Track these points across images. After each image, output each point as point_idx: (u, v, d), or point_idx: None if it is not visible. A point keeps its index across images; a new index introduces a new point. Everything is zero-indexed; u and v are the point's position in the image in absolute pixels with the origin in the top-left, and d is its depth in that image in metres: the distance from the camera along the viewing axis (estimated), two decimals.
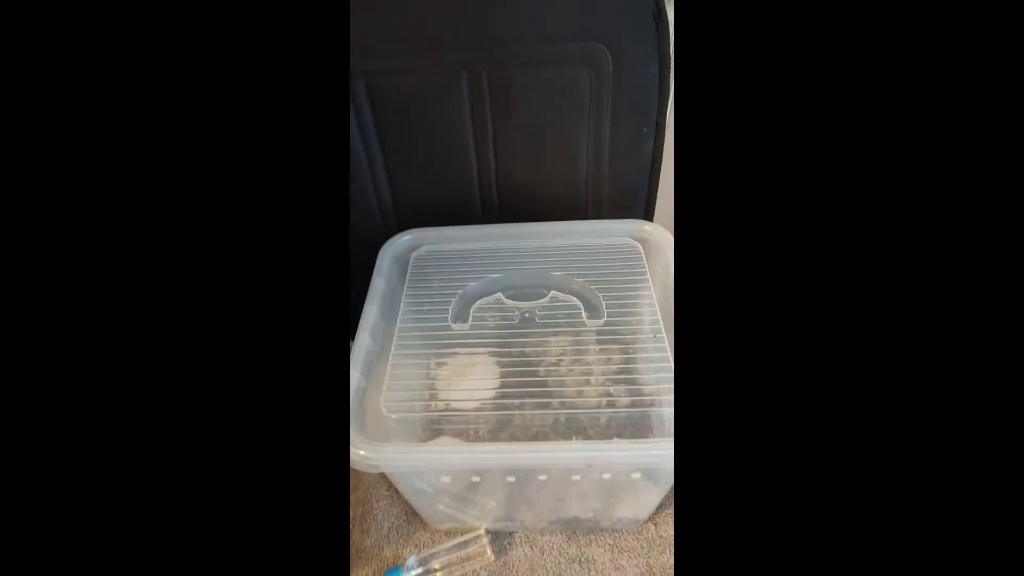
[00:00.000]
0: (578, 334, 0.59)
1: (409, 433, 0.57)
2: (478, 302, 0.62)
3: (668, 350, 0.55)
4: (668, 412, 0.53)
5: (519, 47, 0.58)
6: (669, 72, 0.59)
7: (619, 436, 0.56)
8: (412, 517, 0.63)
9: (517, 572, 0.59)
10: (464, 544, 0.59)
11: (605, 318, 0.59)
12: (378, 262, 0.63)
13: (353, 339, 0.55)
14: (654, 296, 0.60)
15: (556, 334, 0.60)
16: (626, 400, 0.55)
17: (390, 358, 0.56)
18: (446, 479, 0.53)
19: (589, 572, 0.59)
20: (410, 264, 0.65)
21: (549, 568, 0.59)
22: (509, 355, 0.57)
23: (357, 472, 0.67)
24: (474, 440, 0.57)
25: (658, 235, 0.65)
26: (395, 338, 0.58)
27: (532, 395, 0.52)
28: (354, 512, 0.64)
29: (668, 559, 0.59)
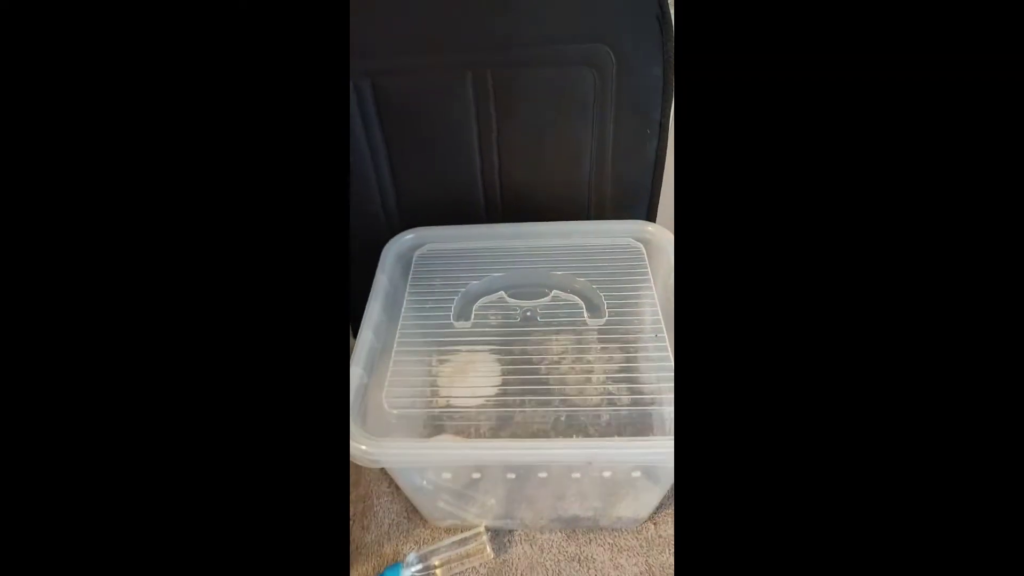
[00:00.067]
0: (579, 333, 0.59)
1: (410, 430, 0.58)
2: (480, 300, 0.63)
3: (669, 349, 0.55)
4: (668, 411, 0.53)
5: (523, 48, 0.59)
6: (672, 73, 0.60)
7: (620, 435, 0.56)
8: (412, 514, 0.63)
9: (516, 570, 0.59)
10: (464, 541, 0.59)
11: (607, 317, 0.60)
12: (381, 260, 0.64)
13: (356, 336, 0.55)
14: (655, 296, 0.60)
15: (558, 333, 0.60)
16: (627, 399, 0.55)
17: (392, 355, 0.56)
18: (447, 475, 0.54)
19: (588, 570, 0.59)
20: (413, 262, 0.66)
21: (548, 566, 0.59)
22: (510, 353, 0.57)
23: (358, 469, 0.67)
24: (475, 438, 0.57)
25: (660, 236, 0.65)
26: (397, 335, 0.58)
27: (533, 392, 0.53)
28: (355, 508, 0.64)
29: (668, 559, 0.59)
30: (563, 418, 0.56)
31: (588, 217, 0.70)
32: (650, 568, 0.59)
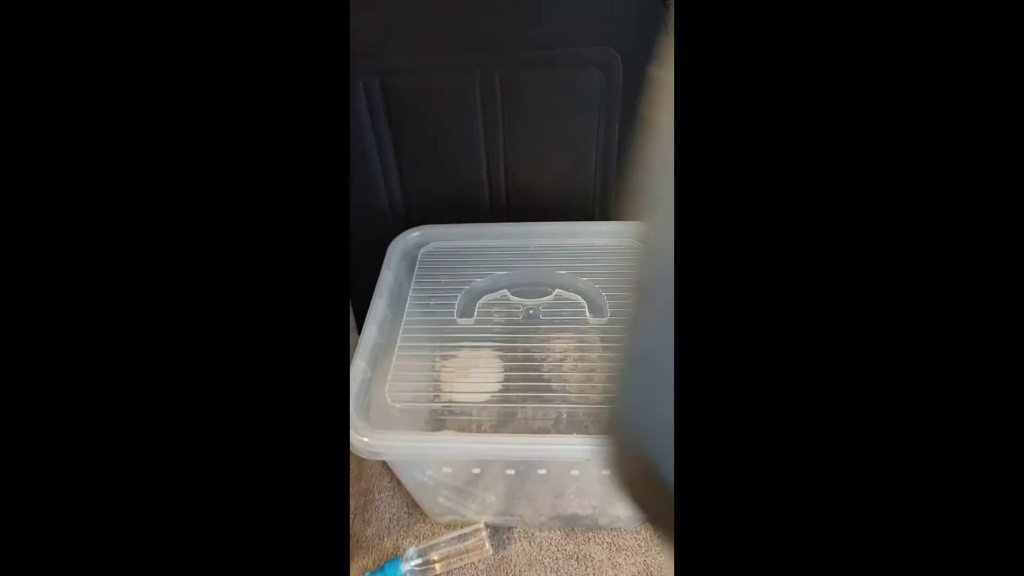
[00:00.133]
0: (582, 332, 0.60)
1: (412, 426, 0.58)
2: (484, 298, 0.63)
3: None
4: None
5: (530, 50, 0.59)
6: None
7: None
8: (413, 509, 0.63)
9: (515, 566, 0.60)
10: (463, 537, 0.60)
11: (609, 317, 0.60)
12: (387, 257, 0.65)
13: (360, 331, 0.56)
14: None
15: (560, 332, 0.60)
16: None
17: (396, 350, 0.57)
18: (447, 470, 0.54)
19: (586, 569, 0.59)
20: (418, 260, 0.67)
21: (547, 564, 0.60)
22: (513, 351, 0.57)
23: (360, 463, 0.68)
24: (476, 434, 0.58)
25: None
26: (401, 331, 0.59)
27: (535, 390, 0.53)
28: (356, 502, 0.65)
29: (666, 559, 0.59)
30: (564, 417, 0.56)
31: (592, 218, 0.70)
32: (648, 568, 0.59)
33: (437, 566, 0.59)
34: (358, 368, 0.52)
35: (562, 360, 0.59)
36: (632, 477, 0.13)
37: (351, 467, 0.68)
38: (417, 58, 0.61)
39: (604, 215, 0.70)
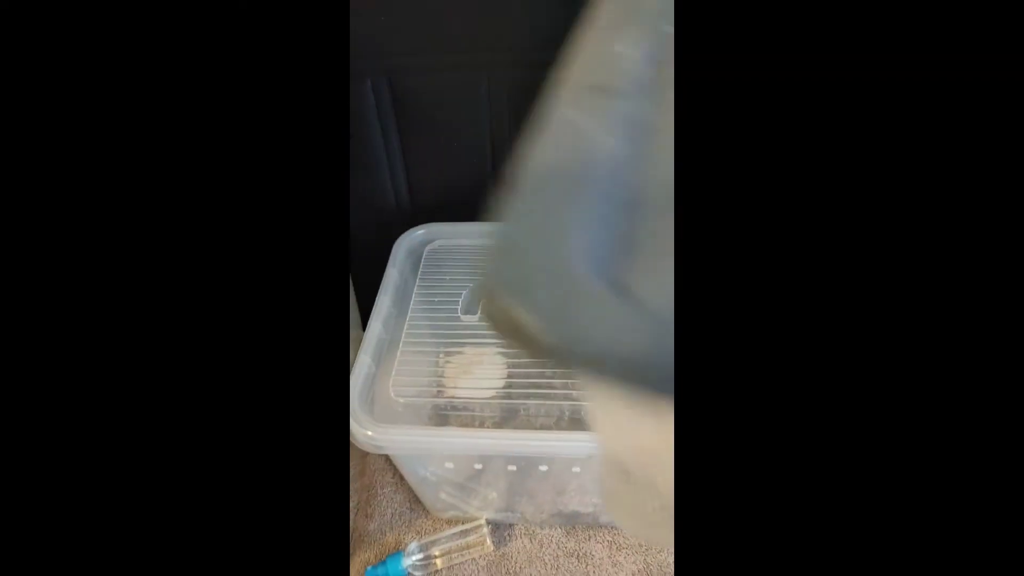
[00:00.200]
0: None
1: (416, 422, 0.59)
2: None
3: None
4: None
5: (538, 51, 0.60)
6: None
7: None
8: (415, 504, 0.64)
9: (515, 563, 0.60)
10: (465, 533, 0.60)
11: None
12: (393, 254, 0.65)
13: (365, 327, 0.57)
14: None
15: None
16: None
17: (400, 346, 0.57)
18: (449, 465, 0.55)
19: (587, 566, 0.59)
20: (423, 257, 0.67)
21: (547, 561, 0.60)
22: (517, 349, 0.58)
23: (363, 459, 0.68)
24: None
25: None
26: (406, 327, 0.59)
27: (538, 387, 0.53)
28: (359, 497, 0.65)
29: (666, 558, 0.60)
30: (567, 414, 0.57)
31: None
32: (648, 567, 0.59)
33: (438, 561, 0.59)
34: (363, 363, 0.53)
35: None
36: (500, 321, 0.17)
37: (354, 462, 0.68)
38: (425, 58, 0.61)
39: None
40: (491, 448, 0.48)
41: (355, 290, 0.72)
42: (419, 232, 0.69)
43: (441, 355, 0.62)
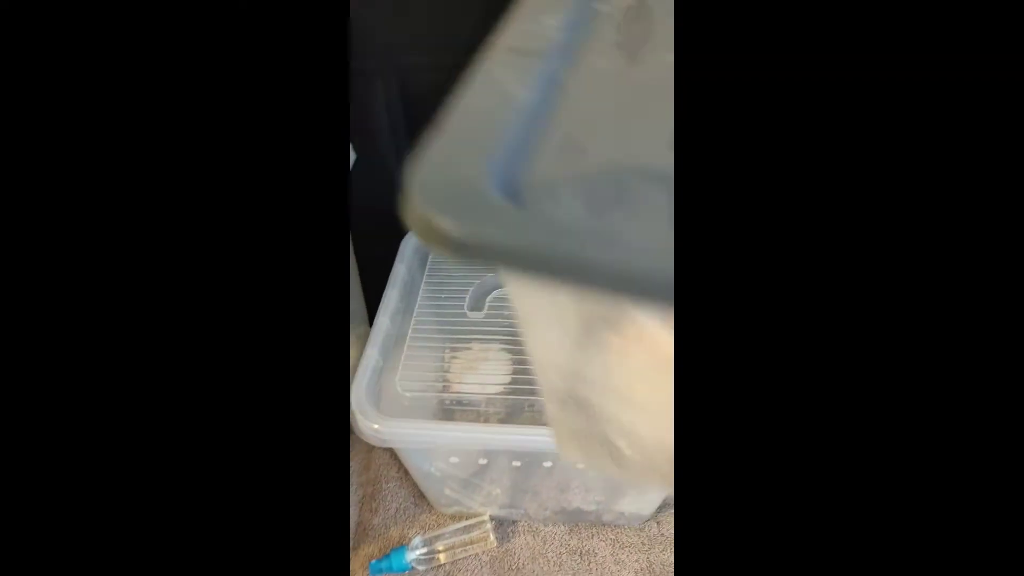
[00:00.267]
0: None
1: (422, 417, 0.59)
2: (494, 292, 0.64)
3: None
4: None
5: None
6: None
7: None
8: (419, 500, 0.64)
9: (518, 559, 0.60)
10: (468, 528, 0.60)
11: None
12: (400, 250, 0.66)
13: (373, 322, 0.57)
14: None
15: None
16: None
17: (407, 341, 0.58)
18: (454, 460, 0.55)
19: (589, 564, 0.59)
20: (431, 254, 0.68)
21: (550, 558, 0.60)
22: (522, 346, 0.58)
23: (368, 453, 0.69)
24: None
25: None
26: (413, 323, 0.60)
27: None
28: (364, 491, 0.66)
29: (669, 557, 0.60)
30: None
31: None
32: (651, 566, 0.59)
33: (442, 556, 0.60)
34: (370, 357, 0.53)
35: None
36: (418, 225, 0.21)
37: (359, 457, 0.69)
38: (435, 56, 0.62)
39: None
40: (496, 443, 0.48)
41: (363, 286, 0.72)
42: None
43: (447, 351, 0.62)
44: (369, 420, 0.48)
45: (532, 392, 0.54)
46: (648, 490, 0.57)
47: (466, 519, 0.61)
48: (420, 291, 0.63)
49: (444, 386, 0.60)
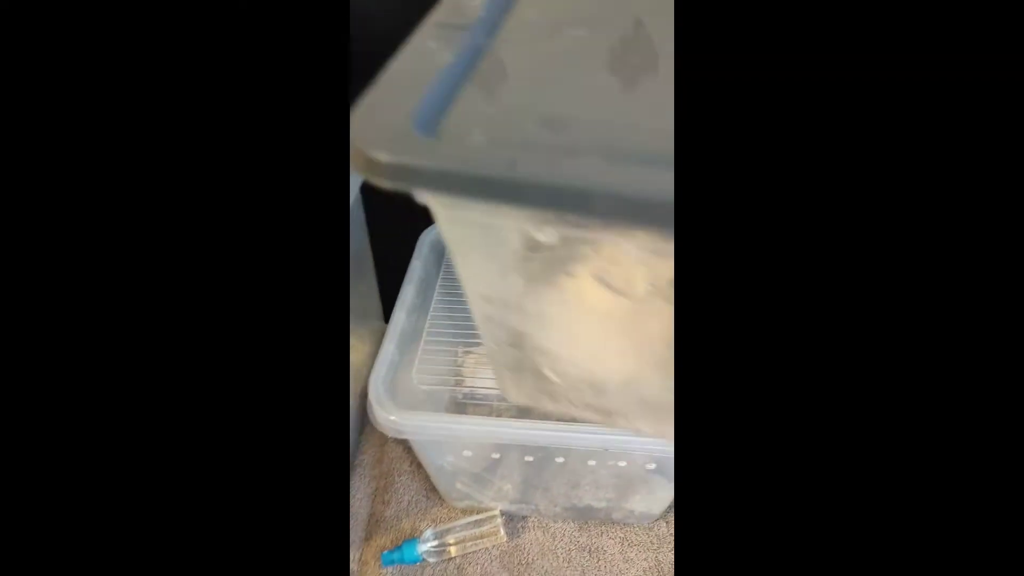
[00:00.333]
0: None
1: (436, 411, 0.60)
2: None
3: None
4: None
5: None
6: None
7: None
8: (431, 493, 0.65)
9: (528, 555, 0.61)
10: (479, 523, 0.61)
11: None
12: (417, 247, 0.67)
13: (391, 317, 0.58)
14: None
15: None
16: None
17: (423, 336, 0.59)
18: (467, 453, 0.56)
19: (598, 561, 0.60)
20: (446, 251, 0.69)
21: (559, 554, 0.61)
22: None
23: (381, 447, 0.70)
24: None
25: None
26: (429, 319, 0.61)
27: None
28: (376, 484, 0.67)
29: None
30: None
31: None
32: (659, 564, 0.60)
33: (452, 549, 0.60)
34: (387, 352, 0.54)
35: None
36: (359, 161, 0.26)
37: (372, 450, 0.70)
38: None
39: None
40: (510, 436, 0.49)
41: (379, 282, 0.73)
42: None
43: (461, 348, 0.63)
44: (386, 411, 0.49)
45: None
46: (656, 489, 0.57)
47: (477, 513, 0.62)
48: (436, 288, 0.64)
49: (457, 381, 0.61)
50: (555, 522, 0.63)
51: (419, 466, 0.66)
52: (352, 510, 0.65)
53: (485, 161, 0.25)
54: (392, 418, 0.49)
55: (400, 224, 0.71)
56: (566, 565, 0.60)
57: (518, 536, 0.62)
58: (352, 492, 0.66)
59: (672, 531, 0.62)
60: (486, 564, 0.60)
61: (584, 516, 0.62)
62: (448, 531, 0.61)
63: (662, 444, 0.48)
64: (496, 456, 0.56)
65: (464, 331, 0.61)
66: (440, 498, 0.64)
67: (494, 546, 0.61)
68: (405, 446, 0.69)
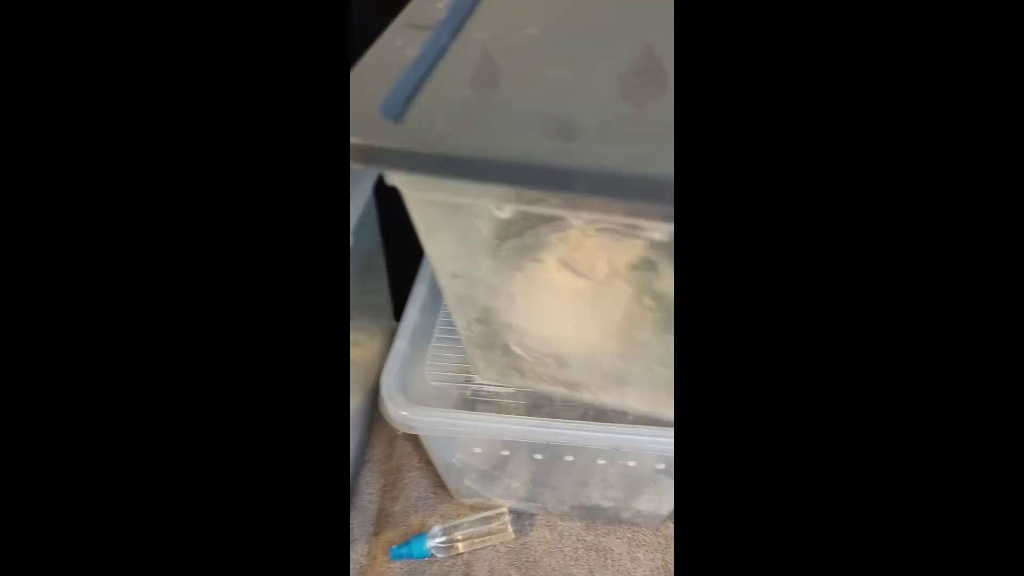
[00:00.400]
0: None
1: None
2: None
3: None
4: None
5: None
6: None
7: None
8: (440, 489, 0.66)
9: (535, 552, 0.61)
10: (487, 520, 0.62)
11: None
12: None
13: (403, 315, 0.59)
14: None
15: None
16: None
17: (434, 334, 0.60)
18: (477, 450, 0.56)
19: (605, 560, 0.60)
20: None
21: (567, 552, 0.61)
22: None
23: (391, 443, 0.70)
24: None
25: None
26: (440, 317, 0.61)
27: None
28: (385, 480, 0.68)
29: None
30: (591, 413, 0.58)
31: None
32: (667, 565, 0.60)
33: (460, 545, 0.61)
34: (399, 348, 0.55)
35: None
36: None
37: (382, 446, 0.70)
38: None
39: None
40: (521, 434, 0.50)
41: (391, 281, 0.74)
42: None
43: None
44: (398, 407, 0.50)
45: (553, 392, 0.55)
46: (664, 489, 0.57)
47: (485, 510, 0.62)
48: None
49: (466, 379, 0.61)
50: (562, 520, 0.63)
51: (428, 462, 0.67)
52: (361, 505, 0.65)
53: (445, 142, 0.28)
54: (404, 413, 0.50)
55: (412, 224, 0.72)
56: (573, 563, 0.60)
57: (526, 534, 0.63)
58: (362, 488, 0.67)
59: None
60: (494, 560, 0.61)
61: (592, 515, 0.63)
62: (456, 527, 0.61)
63: (672, 445, 0.48)
64: (506, 453, 0.56)
65: None
66: (449, 495, 0.65)
67: (502, 543, 0.62)
68: (414, 443, 0.69)
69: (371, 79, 0.32)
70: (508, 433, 0.50)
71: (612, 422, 0.49)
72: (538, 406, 0.60)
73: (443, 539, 0.61)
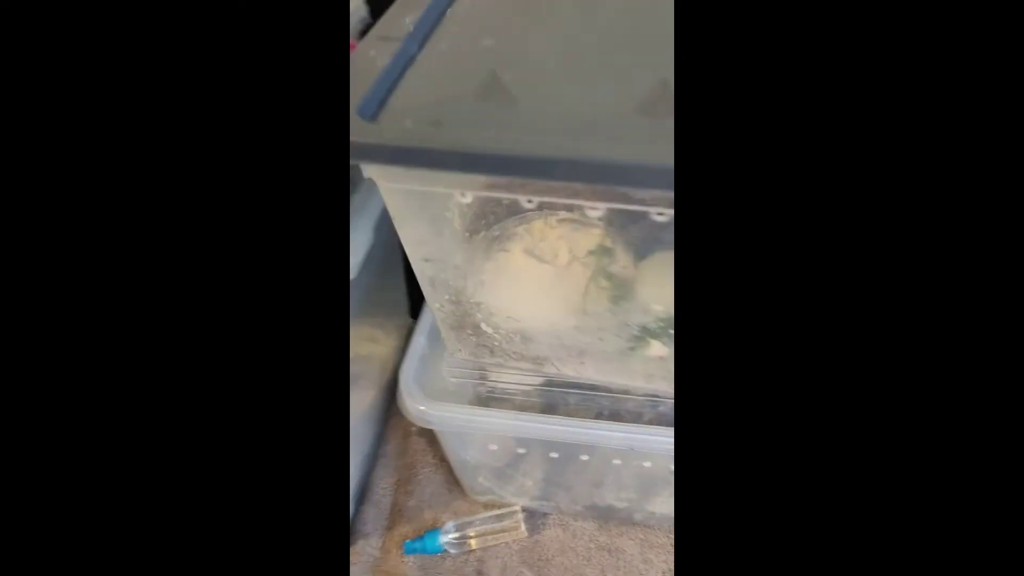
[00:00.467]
0: None
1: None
2: None
3: None
4: None
5: None
6: None
7: None
8: (453, 486, 0.66)
9: (547, 551, 0.61)
10: (500, 517, 0.62)
11: None
12: None
13: (420, 312, 0.59)
14: None
15: None
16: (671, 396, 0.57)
17: None
18: (493, 447, 0.57)
19: (617, 561, 0.60)
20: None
21: (579, 552, 0.61)
22: None
23: (405, 439, 0.71)
24: None
25: None
26: None
27: (578, 386, 0.55)
28: (400, 475, 0.68)
29: None
30: (606, 413, 0.58)
31: None
32: None
33: (473, 542, 0.61)
34: (418, 344, 0.55)
35: None
36: None
37: (396, 442, 0.71)
38: None
39: None
40: (538, 431, 0.50)
41: (407, 279, 0.75)
42: None
43: None
44: (416, 402, 0.51)
45: (568, 388, 0.55)
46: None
47: (498, 508, 0.63)
48: None
49: (481, 376, 0.61)
50: (575, 520, 0.63)
51: (442, 459, 0.67)
52: (375, 499, 0.66)
53: (413, 138, 0.33)
54: (421, 408, 0.50)
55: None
56: (585, 563, 0.60)
57: (538, 532, 0.63)
58: (376, 482, 0.67)
59: None
60: (506, 558, 0.61)
61: (605, 516, 0.63)
62: (469, 524, 0.62)
63: None
64: (521, 451, 0.57)
65: None
66: (462, 491, 0.65)
67: (514, 541, 0.62)
68: (429, 439, 0.70)
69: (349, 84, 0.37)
70: (525, 430, 0.51)
71: (628, 422, 0.49)
72: (552, 407, 0.61)
73: (456, 535, 0.61)
